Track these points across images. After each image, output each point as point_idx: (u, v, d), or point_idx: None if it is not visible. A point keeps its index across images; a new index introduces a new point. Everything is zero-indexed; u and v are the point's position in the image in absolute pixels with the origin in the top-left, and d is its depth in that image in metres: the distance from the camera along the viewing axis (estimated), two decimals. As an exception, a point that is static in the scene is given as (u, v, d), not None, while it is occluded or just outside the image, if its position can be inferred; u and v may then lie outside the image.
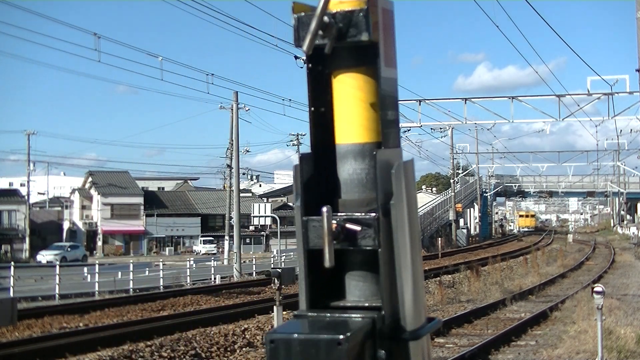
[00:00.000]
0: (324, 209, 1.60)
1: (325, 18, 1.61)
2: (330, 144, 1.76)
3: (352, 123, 1.72)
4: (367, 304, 1.73)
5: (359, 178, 1.73)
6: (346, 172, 1.74)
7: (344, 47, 1.68)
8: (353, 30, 1.63)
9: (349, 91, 1.71)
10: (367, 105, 1.71)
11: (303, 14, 1.67)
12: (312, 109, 1.76)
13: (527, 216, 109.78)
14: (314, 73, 1.75)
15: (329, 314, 1.70)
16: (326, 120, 1.77)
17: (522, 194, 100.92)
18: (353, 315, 1.66)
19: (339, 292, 1.79)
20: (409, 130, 41.34)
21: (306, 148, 1.85)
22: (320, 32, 1.61)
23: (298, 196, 1.72)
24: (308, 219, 1.69)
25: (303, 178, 1.72)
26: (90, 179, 76.34)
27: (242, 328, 14.98)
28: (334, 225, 1.62)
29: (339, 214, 1.67)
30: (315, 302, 1.73)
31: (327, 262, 1.60)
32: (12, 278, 23.94)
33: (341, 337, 1.51)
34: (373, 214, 1.65)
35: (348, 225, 1.64)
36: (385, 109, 1.69)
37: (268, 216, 43.46)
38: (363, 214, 1.66)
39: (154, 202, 75.48)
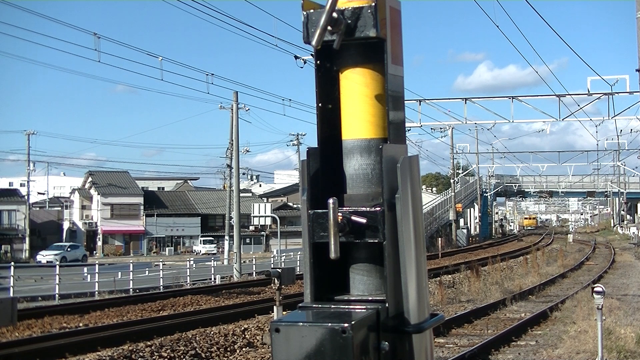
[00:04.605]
0: (330, 201, 1.62)
1: (334, 14, 1.63)
2: (336, 139, 1.79)
3: (358, 119, 1.75)
4: (370, 298, 1.75)
5: (364, 173, 1.75)
6: (352, 167, 1.76)
7: (351, 44, 1.71)
8: (361, 26, 1.65)
9: (356, 87, 1.74)
10: (374, 101, 1.73)
11: (312, 10, 1.69)
12: (320, 105, 1.79)
13: (530, 218, 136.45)
14: (321, 70, 1.78)
15: (333, 306, 1.72)
16: (333, 116, 1.80)
17: (522, 194, 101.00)
18: (357, 307, 1.68)
19: (343, 286, 1.81)
20: (409, 130, 41.38)
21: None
22: (329, 28, 1.64)
23: (304, 190, 1.74)
24: (314, 212, 1.71)
25: (310, 172, 1.74)
26: (90, 179, 76.30)
27: (242, 328, 14.97)
28: (340, 218, 1.64)
29: (344, 208, 1.69)
30: (320, 296, 1.75)
31: (332, 253, 1.62)
32: (12, 278, 23.92)
33: (345, 325, 1.53)
34: (378, 208, 1.66)
35: (354, 218, 1.66)
36: (391, 105, 1.72)
37: (268, 216, 43.40)
38: (368, 208, 1.68)
39: (154, 202, 75.44)
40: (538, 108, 42.17)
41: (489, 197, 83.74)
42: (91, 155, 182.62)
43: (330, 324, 1.56)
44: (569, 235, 68.84)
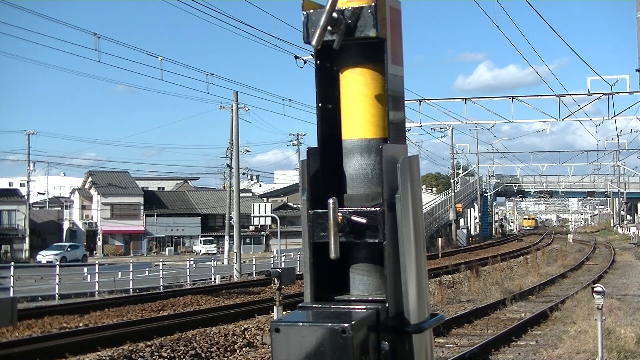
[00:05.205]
0: (330, 201, 1.62)
1: (334, 14, 1.63)
2: (336, 139, 1.79)
3: (358, 119, 1.75)
4: (370, 298, 1.75)
5: (364, 173, 1.75)
6: (352, 167, 1.76)
7: (351, 44, 1.71)
8: (361, 26, 1.65)
9: (356, 87, 1.74)
10: (374, 101, 1.73)
11: (312, 10, 1.69)
12: (320, 105, 1.79)
13: (529, 219, 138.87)
14: (321, 70, 1.78)
15: (333, 306, 1.72)
16: (333, 116, 1.80)
17: (522, 194, 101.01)
18: (357, 307, 1.68)
19: (343, 286, 1.81)
20: (409, 130, 41.37)
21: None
22: (329, 28, 1.64)
23: (304, 190, 1.74)
24: (314, 212, 1.71)
25: (310, 172, 1.74)
26: (90, 179, 76.30)
27: (242, 328, 14.97)
28: (340, 218, 1.64)
29: (344, 208, 1.69)
30: (320, 296, 1.75)
31: (332, 253, 1.62)
32: (12, 278, 23.93)
33: (345, 325, 1.53)
34: (378, 208, 1.66)
35: (354, 218, 1.66)
36: (391, 105, 1.72)
37: (268, 216, 43.39)
38: (368, 208, 1.68)
39: (154, 202, 75.43)
40: (538, 108, 42.18)
41: (489, 197, 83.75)
42: (91, 155, 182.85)
43: (330, 324, 1.56)
44: (569, 235, 68.83)
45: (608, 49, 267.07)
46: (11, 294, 21.95)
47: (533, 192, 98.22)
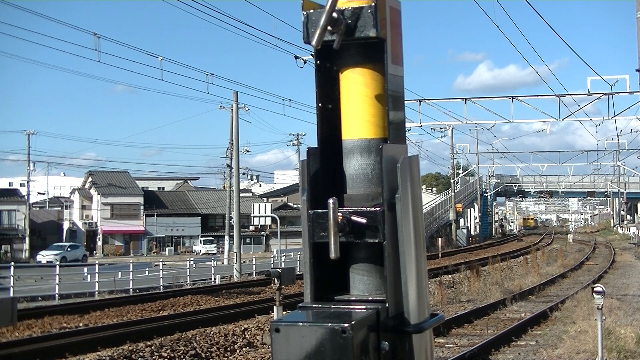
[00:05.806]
0: (330, 201, 1.62)
1: (334, 14, 1.63)
2: (337, 139, 1.79)
3: (358, 119, 1.75)
4: (370, 298, 1.75)
5: (364, 173, 1.75)
6: (352, 167, 1.76)
7: (351, 44, 1.71)
8: (361, 26, 1.65)
9: (356, 87, 1.74)
10: (374, 101, 1.73)
11: (312, 10, 1.69)
12: (320, 105, 1.79)
13: (529, 219, 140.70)
14: (321, 70, 1.78)
15: (333, 306, 1.72)
16: (333, 116, 1.80)
17: (522, 194, 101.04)
18: (357, 307, 1.68)
19: (343, 286, 1.81)
20: (409, 130, 41.37)
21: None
22: (329, 28, 1.64)
23: (304, 190, 1.74)
24: (314, 212, 1.71)
25: (310, 172, 1.74)
26: (90, 179, 76.31)
27: (242, 328, 14.97)
28: (340, 218, 1.64)
29: (344, 208, 1.69)
30: (320, 296, 1.75)
31: (332, 253, 1.62)
32: (12, 278, 23.93)
33: (345, 325, 1.53)
34: (378, 208, 1.66)
35: (354, 218, 1.66)
36: (391, 105, 1.72)
37: (268, 216, 43.38)
38: (368, 208, 1.68)
39: (154, 202, 75.43)
40: (538, 108, 42.20)
41: (489, 197, 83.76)
42: (91, 155, 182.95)
43: (330, 324, 1.56)
44: (569, 235, 68.83)
45: (608, 49, 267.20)
46: (11, 294, 21.95)
47: (533, 192, 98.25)
